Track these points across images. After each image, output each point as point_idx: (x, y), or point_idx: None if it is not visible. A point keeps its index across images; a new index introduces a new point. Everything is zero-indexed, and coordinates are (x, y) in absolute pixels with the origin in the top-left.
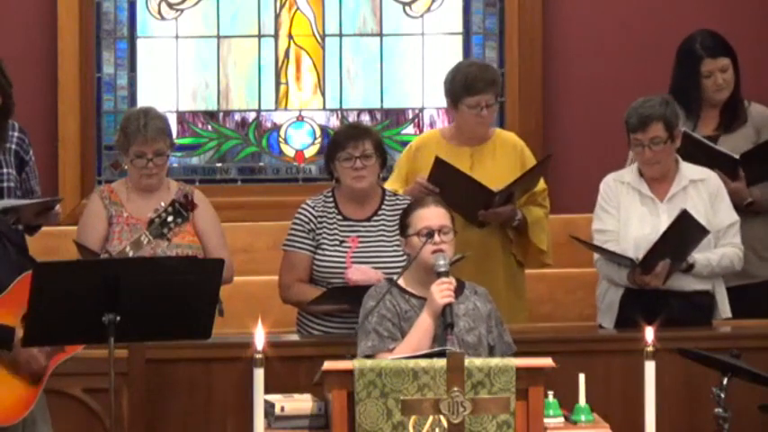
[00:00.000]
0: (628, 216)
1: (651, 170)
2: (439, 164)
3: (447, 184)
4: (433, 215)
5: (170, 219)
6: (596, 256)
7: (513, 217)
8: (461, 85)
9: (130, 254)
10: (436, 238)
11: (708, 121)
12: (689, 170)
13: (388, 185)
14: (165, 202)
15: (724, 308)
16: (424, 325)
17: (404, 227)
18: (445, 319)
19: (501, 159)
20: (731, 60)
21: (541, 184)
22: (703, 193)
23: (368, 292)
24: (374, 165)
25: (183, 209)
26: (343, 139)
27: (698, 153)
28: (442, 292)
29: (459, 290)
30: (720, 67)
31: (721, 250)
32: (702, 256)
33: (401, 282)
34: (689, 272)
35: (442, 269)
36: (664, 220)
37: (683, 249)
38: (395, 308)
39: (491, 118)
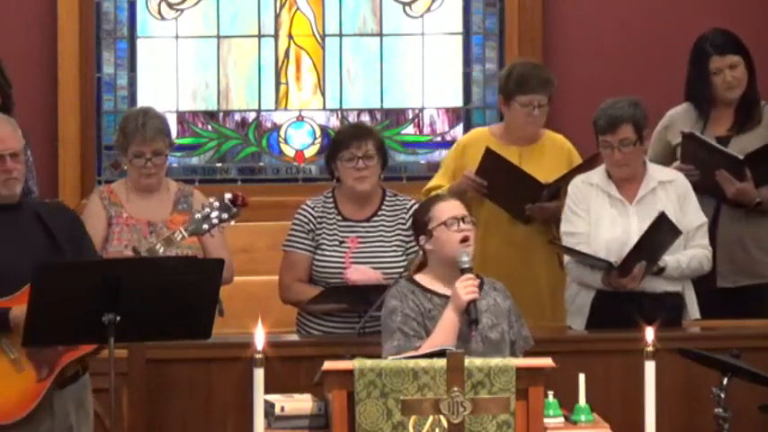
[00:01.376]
0: (598, 218)
1: (620, 172)
2: (489, 155)
3: (495, 177)
4: (453, 206)
5: (214, 214)
6: (566, 258)
7: (557, 214)
8: (516, 83)
9: (161, 251)
10: (462, 225)
11: (721, 121)
12: (657, 171)
13: (433, 182)
14: (167, 202)
15: (693, 309)
16: (448, 322)
17: (423, 224)
18: (470, 316)
19: (549, 160)
20: (742, 58)
21: None
22: (672, 194)
23: (390, 292)
24: (376, 165)
25: (232, 204)
26: (347, 139)
27: (703, 154)
28: (466, 288)
29: (479, 286)
30: (729, 64)
31: (691, 252)
32: (673, 258)
33: (423, 281)
34: (660, 274)
35: (466, 265)
36: (634, 222)
37: (657, 251)
38: (418, 307)
39: (542, 118)
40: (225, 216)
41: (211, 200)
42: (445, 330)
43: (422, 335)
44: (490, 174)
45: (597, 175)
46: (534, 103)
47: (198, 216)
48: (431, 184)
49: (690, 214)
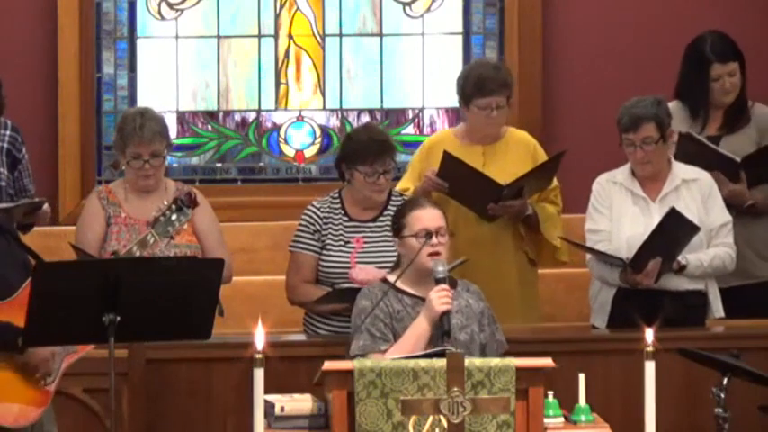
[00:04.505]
0: (620, 216)
1: (643, 170)
2: (447, 158)
3: (456, 178)
4: (429, 216)
5: (174, 217)
6: (588, 256)
7: (523, 211)
8: (473, 86)
9: (137, 254)
10: (434, 239)
11: (711, 122)
12: (681, 170)
13: (401, 185)
14: (167, 201)
15: (717, 307)
16: (419, 329)
17: (399, 227)
18: (443, 327)
19: (513, 157)
20: (739, 64)
21: (554, 182)
22: (695, 193)
23: (361, 292)
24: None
25: (184, 206)
26: (370, 155)
27: (699, 154)
28: (440, 299)
29: (451, 287)
30: (729, 71)
31: (713, 250)
32: (694, 256)
33: (397, 281)
34: (681, 272)
35: (441, 275)
36: (656, 220)
37: (673, 247)
38: (387, 308)
39: (502, 119)
40: (182, 218)
41: (166, 202)
42: (415, 336)
43: (388, 337)
44: (450, 176)
45: (622, 173)
46: (493, 105)
47: (162, 219)
48: (399, 186)
49: (714, 213)
